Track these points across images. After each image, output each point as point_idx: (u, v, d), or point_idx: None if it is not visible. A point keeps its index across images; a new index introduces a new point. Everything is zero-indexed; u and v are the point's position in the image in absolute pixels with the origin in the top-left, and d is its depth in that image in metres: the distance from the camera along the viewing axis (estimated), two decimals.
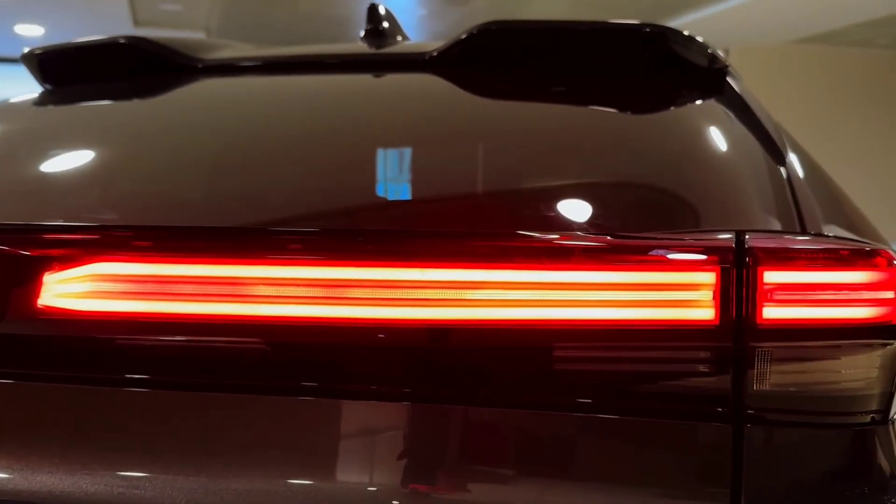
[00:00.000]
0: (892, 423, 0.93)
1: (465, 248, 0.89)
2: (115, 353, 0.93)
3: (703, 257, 0.86)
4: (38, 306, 0.91)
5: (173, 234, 0.95)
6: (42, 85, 1.69)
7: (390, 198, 1.08)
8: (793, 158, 1.23)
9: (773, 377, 0.86)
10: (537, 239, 0.90)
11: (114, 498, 0.87)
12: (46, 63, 1.66)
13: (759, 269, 0.85)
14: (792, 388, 0.87)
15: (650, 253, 0.87)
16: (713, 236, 0.89)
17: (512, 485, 0.88)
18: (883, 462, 0.91)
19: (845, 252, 0.89)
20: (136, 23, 8.50)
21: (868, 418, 0.89)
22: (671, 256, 0.87)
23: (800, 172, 1.19)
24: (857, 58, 9.22)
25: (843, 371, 0.88)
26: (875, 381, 0.88)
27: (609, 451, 0.89)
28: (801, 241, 0.92)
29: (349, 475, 0.89)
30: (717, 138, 1.24)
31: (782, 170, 1.17)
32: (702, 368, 0.87)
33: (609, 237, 0.91)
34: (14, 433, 0.93)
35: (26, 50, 1.69)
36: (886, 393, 0.90)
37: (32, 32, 9.13)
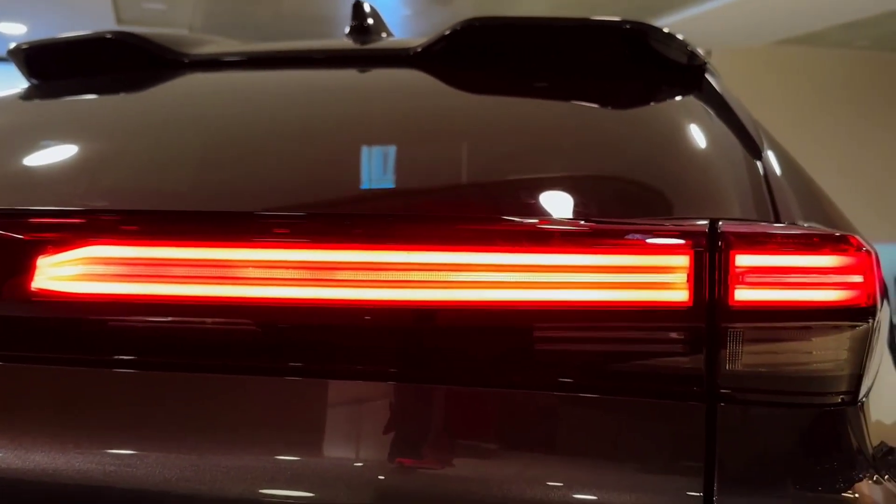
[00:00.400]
0: (862, 405, 0.96)
1: (448, 231, 0.92)
2: (107, 334, 0.95)
3: (678, 241, 0.89)
4: (32, 289, 0.92)
5: (164, 218, 0.97)
6: (28, 80, 1.70)
7: (374, 185, 1.10)
8: (770, 154, 1.26)
9: (744, 357, 0.89)
10: (519, 223, 0.93)
11: (106, 476, 0.89)
12: (33, 58, 1.68)
13: (731, 252, 0.88)
14: (763, 369, 0.90)
15: (627, 237, 0.90)
16: (688, 222, 0.92)
17: (494, 459, 0.91)
18: (852, 442, 0.93)
19: (814, 237, 0.92)
20: (120, 21, 8.48)
21: (838, 399, 0.92)
22: (647, 240, 0.90)
23: (776, 168, 1.22)
24: (838, 59, 9.30)
25: (812, 352, 0.91)
26: (844, 363, 0.91)
27: (588, 429, 0.92)
28: (771, 227, 0.95)
29: (336, 451, 0.92)
30: (695, 132, 1.27)
31: (759, 164, 1.20)
32: (676, 349, 0.90)
33: (588, 222, 0.94)
34: (8, 413, 0.95)
35: (13, 45, 1.70)
36: (855, 375, 0.92)
37: (15, 31, 9.09)
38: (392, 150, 1.20)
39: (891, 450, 0.99)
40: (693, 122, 1.31)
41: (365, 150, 1.20)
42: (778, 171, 1.22)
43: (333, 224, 0.93)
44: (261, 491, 0.88)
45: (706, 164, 1.18)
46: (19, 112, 1.55)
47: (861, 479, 0.91)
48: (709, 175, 1.16)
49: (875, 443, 0.97)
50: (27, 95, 1.60)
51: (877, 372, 1.04)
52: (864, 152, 9.19)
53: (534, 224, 0.93)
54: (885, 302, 1.11)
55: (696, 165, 1.18)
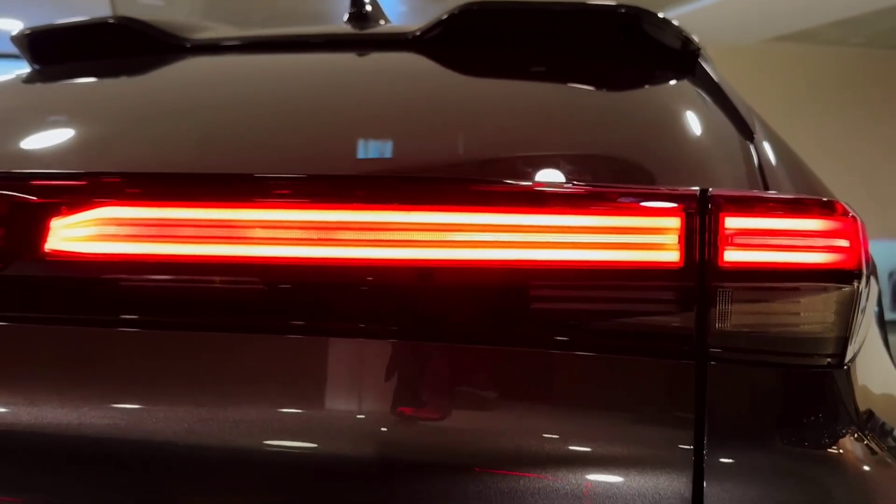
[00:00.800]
0: (849, 369, 0.99)
1: (447, 192, 0.95)
2: (118, 294, 0.98)
3: (670, 204, 0.92)
4: (46, 250, 0.95)
5: (173, 179, 1.00)
6: (32, 66, 1.73)
7: (373, 153, 1.13)
8: (762, 137, 1.29)
9: (733, 317, 0.92)
10: (516, 185, 0.96)
11: (117, 430, 0.92)
12: (37, 44, 1.70)
13: (721, 214, 0.91)
14: (752, 329, 0.93)
15: (621, 199, 0.93)
16: (681, 188, 0.96)
17: (491, 413, 0.94)
18: (838, 403, 0.96)
19: (802, 201, 0.95)
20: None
21: (825, 361, 0.95)
22: (640, 203, 0.93)
23: (768, 150, 1.26)
24: (832, 56, 9.34)
25: (800, 314, 0.94)
26: (830, 325, 0.94)
27: (582, 385, 0.95)
28: (760, 192, 0.99)
29: (339, 404, 0.95)
30: (689, 112, 1.30)
31: (751, 146, 1.23)
32: (668, 308, 0.93)
33: (585, 185, 0.97)
34: (23, 371, 0.98)
35: (16, 31, 1.72)
36: (841, 338, 0.95)
37: (10, 27, 9.09)
38: (392, 120, 1.23)
39: (875, 417, 1.02)
40: (686, 102, 1.34)
41: (364, 119, 1.23)
42: (770, 152, 1.25)
43: (335, 185, 0.96)
44: (266, 443, 0.91)
45: (699, 141, 1.22)
46: (25, 92, 1.57)
47: (845, 436, 0.94)
48: (701, 152, 1.19)
49: (862, 409, 1.00)
50: (32, 78, 1.63)
51: (864, 340, 1.08)
52: (858, 150, 9.23)
53: (531, 186, 0.96)
54: (871, 276, 1.14)
55: (690, 143, 1.21)
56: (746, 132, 1.27)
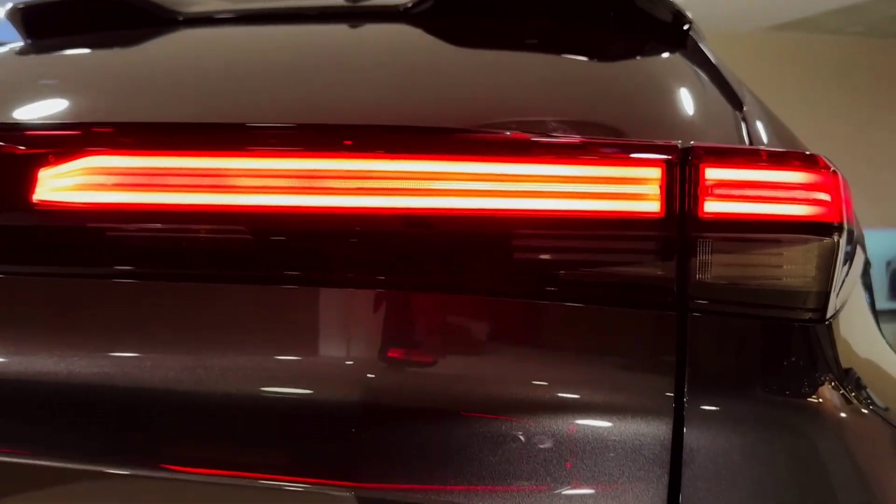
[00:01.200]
0: (830, 325, 1.00)
1: (433, 140, 0.96)
2: (107, 243, 0.99)
3: (651, 155, 0.93)
4: (34, 201, 0.96)
5: (161, 128, 1.01)
6: (25, 41, 1.74)
7: (361, 105, 1.14)
8: (752, 109, 1.31)
9: (714, 269, 0.93)
10: (501, 134, 0.98)
11: (106, 378, 0.94)
12: (30, 18, 1.72)
13: (702, 165, 0.92)
14: (732, 281, 0.94)
15: (603, 149, 0.95)
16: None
17: (478, 361, 0.96)
18: (818, 357, 0.97)
19: (783, 153, 0.96)
20: None
21: (806, 315, 0.96)
22: (622, 153, 0.94)
23: (758, 121, 1.27)
24: (831, 45, 9.33)
25: (780, 267, 0.95)
26: (811, 279, 0.95)
27: (566, 334, 0.96)
28: (741, 145, 1.00)
29: (327, 351, 0.96)
30: (678, 82, 1.32)
31: (739, 114, 1.25)
32: (649, 259, 0.94)
33: (568, 137, 0.99)
34: (10, 322, 0.99)
35: (9, 6, 1.73)
36: (823, 293, 0.96)
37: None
38: (384, 87, 1.24)
39: (855, 374, 1.03)
40: (676, 73, 1.36)
41: (356, 86, 1.24)
42: (760, 124, 1.26)
43: (324, 133, 0.97)
44: (254, 390, 0.93)
45: (687, 109, 1.23)
46: (17, 61, 1.59)
47: (824, 387, 0.95)
48: (689, 120, 1.21)
49: (843, 365, 1.01)
50: (25, 50, 1.65)
51: (847, 300, 1.09)
52: (856, 139, 9.22)
53: (516, 135, 0.97)
54: (858, 244, 1.15)
55: (678, 111, 1.23)
56: (736, 104, 1.28)
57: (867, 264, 1.46)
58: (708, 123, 1.21)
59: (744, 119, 1.23)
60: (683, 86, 1.29)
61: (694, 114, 1.23)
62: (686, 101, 1.26)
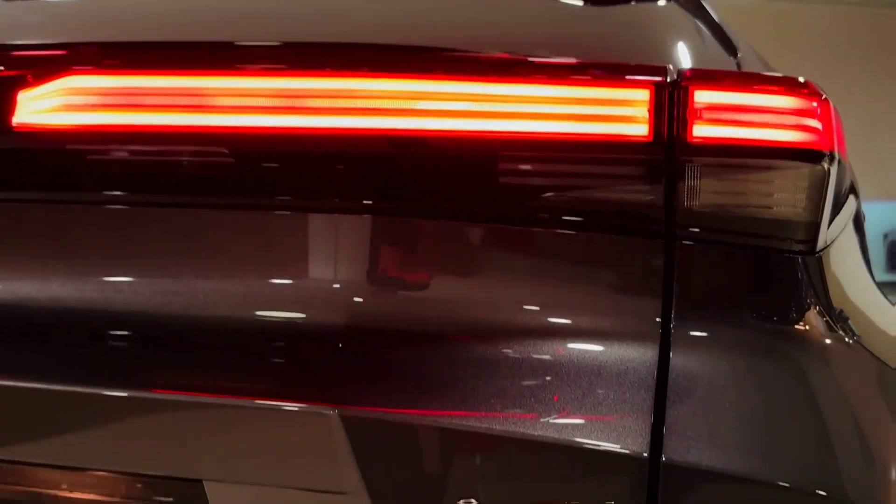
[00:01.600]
0: (820, 259, 0.99)
1: (420, 60, 0.95)
2: (87, 167, 0.98)
3: (640, 77, 0.92)
4: (14, 124, 0.94)
5: (142, 47, 0.99)
6: None
7: (346, 24, 1.13)
8: (746, 56, 1.29)
9: (702, 195, 0.92)
10: (490, 54, 0.97)
11: (90, 303, 0.93)
12: None
13: (691, 88, 0.91)
14: (721, 208, 0.93)
15: (592, 70, 0.93)
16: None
17: (468, 284, 0.96)
18: (806, 287, 0.97)
19: (773, 78, 0.95)
20: None
21: (795, 246, 0.95)
22: (610, 75, 0.93)
23: (751, 65, 1.25)
24: (828, 14, 9.29)
25: (770, 195, 0.94)
26: (801, 209, 0.94)
27: (552, 260, 0.96)
28: (731, 70, 0.98)
29: (313, 274, 0.95)
30: (672, 26, 1.30)
31: (733, 59, 1.23)
32: (637, 183, 0.93)
33: (556, 58, 0.97)
34: None
35: None
36: (812, 223, 0.95)
37: None
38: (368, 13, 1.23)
39: (842, 308, 1.03)
40: (670, 15, 1.34)
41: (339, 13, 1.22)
42: (753, 69, 1.25)
43: (308, 52, 0.96)
44: (241, 314, 0.93)
45: (679, 47, 1.22)
46: None
47: (810, 313, 0.95)
48: (681, 55, 1.19)
49: (832, 299, 1.00)
50: None
51: (838, 237, 1.08)
52: (853, 110, 9.15)
53: (504, 55, 0.96)
54: (852, 192, 1.15)
55: (669, 47, 1.21)
56: (731, 50, 1.27)
57: (860, 211, 1.45)
58: (702, 64, 1.20)
59: (738, 66, 1.22)
60: (676, 33, 1.27)
61: (688, 54, 1.21)
62: (679, 43, 1.25)
